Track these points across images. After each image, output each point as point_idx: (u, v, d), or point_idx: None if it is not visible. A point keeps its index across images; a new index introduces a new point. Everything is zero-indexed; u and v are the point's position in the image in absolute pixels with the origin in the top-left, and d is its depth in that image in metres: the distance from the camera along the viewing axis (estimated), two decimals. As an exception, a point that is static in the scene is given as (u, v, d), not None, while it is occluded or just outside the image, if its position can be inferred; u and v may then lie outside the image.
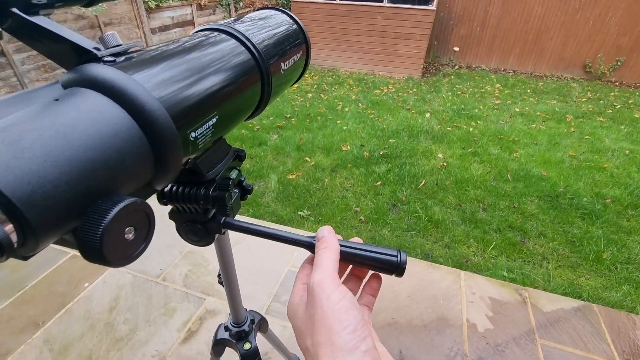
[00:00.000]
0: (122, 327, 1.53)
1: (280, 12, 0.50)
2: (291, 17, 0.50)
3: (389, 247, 0.34)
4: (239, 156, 0.42)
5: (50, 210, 0.19)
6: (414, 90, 4.96)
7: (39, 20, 0.25)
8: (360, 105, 4.29)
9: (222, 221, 0.38)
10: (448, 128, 3.70)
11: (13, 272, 1.77)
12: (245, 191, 0.45)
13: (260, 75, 0.40)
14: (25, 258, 0.21)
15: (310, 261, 0.34)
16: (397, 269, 0.33)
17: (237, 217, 0.43)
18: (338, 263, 0.31)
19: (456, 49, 6.28)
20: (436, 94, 4.82)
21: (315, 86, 5.00)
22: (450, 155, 3.15)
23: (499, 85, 5.28)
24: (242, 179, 0.45)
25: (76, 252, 1.45)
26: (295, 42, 0.48)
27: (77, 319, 1.55)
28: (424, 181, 2.72)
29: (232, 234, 1.83)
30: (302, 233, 0.33)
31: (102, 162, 0.22)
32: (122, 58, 0.27)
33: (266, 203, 2.45)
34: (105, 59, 0.26)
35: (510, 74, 5.98)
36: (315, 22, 5.65)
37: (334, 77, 5.51)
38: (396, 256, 0.33)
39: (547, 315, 1.62)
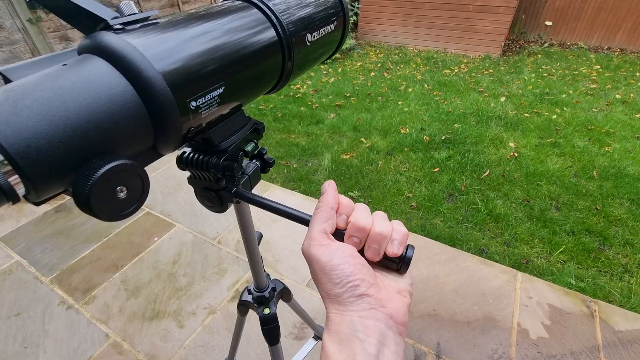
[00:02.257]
0: (182, 279, 1.73)
1: None
2: None
3: None
4: (257, 129, 0.42)
5: (44, 163, 0.21)
6: (490, 70, 4.48)
7: None
8: (425, 85, 4.03)
9: (233, 191, 0.40)
10: (525, 114, 3.30)
11: (102, 221, 2.09)
12: (266, 164, 0.46)
13: (281, 47, 0.39)
14: (35, 204, 0.24)
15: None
16: (401, 264, 0.31)
17: (259, 191, 0.44)
18: (329, 220, 0.32)
19: (548, 23, 5.45)
20: (516, 75, 4.30)
21: (379, 64, 4.81)
22: (523, 144, 2.83)
23: (599, 66, 4.50)
24: (264, 152, 0.45)
25: (149, 210, 1.67)
26: (329, 13, 0.46)
27: (147, 266, 1.79)
28: (488, 171, 2.49)
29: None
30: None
31: (95, 123, 0.24)
32: (137, 26, 0.29)
33: (318, 181, 2.49)
34: (116, 27, 0.28)
35: (616, 53, 5.04)
36: (386, -4, 5.35)
37: (400, 55, 5.23)
38: (401, 253, 0.31)
39: (618, 335, 1.41)
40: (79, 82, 0.24)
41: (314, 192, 2.38)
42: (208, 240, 1.94)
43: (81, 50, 0.28)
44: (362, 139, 2.96)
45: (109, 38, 0.26)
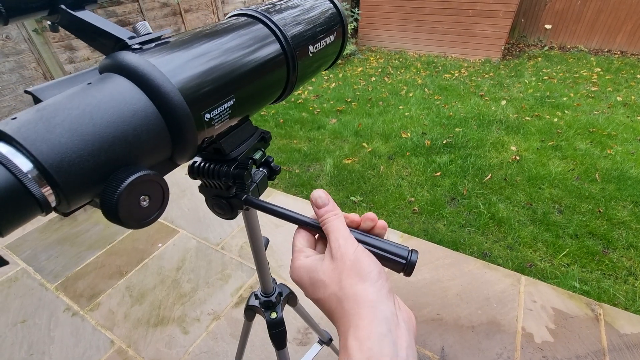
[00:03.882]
0: (185, 285, 1.73)
1: None
2: None
3: (400, 245, 0.33)
4: (264, 138, 0.44)
5: (75, 175, 0.23)
6: (491, 74, 4.50)
7: (83, 14, 0.30)
8: (426, 90, 4.05)
9: (243, 198, 0.41)
10: (527, 118, 3.31)
11: (106, 228, 2.10)
12: (273, 171, 0.47)
13: (286, 59, 0.41)
14: (64, 214, 0.26)
15: (305, 228, 0.37)
16: (404, 269, 0.33)
17: (267, 198, 0.45)
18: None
19: (548, 26, 5.49)
20: (517, 78, 4.32)
21: (379, 69, 4.84)
22: (525, 148, 2.83)
23: (599, 69, 4.51)
24: (270, 160, 0.47)
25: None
26: (329, 24, 0.48)
27: (151, 273, 1.80)
28: (490, 175, 2.50)
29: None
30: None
31: (120, 137, 0.25)
32: (152, 45, 0.30)
33: (320, 186, 2.50)
34: (134, 46, 0.29)
35: (617, 55, 5.06)
36: (386, 1, 5.40)
37: (400, 59, 5.26)
38: (406, 257, 0.33)
39: (624, 338, 1.41)
40: (104, 99, 0.25)
41: (317, 197, 2.38)
42: (211, 246, 1.95)
43: (103, 69, 0.29)
44: (364, 144, 2.98)
45: (129, 57, 0.28)
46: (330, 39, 0.48)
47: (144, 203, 0.26)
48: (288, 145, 3.02)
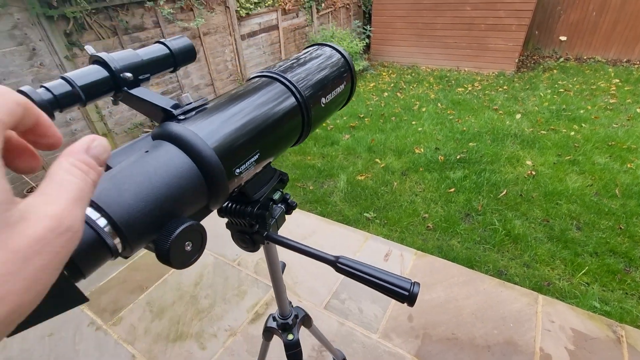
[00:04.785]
0: (203, 300, 1.78)
1: (326, 47, 0.55)
2: (337, 50, 0.55)
3: (403, 278, 0.37)
4: (282, 180, 0.49)
5: (138, 229, 0.29)
6: (505, 87, 4.49)
7: (138, 91, 0.38)
8: (439, 105, 4.07)
9: (264, 235, 0.46)
10: (542, 131, 3.27)
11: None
12: (290, 207, 0.52)
13: (301, 112, 0.46)
14: (126, 257, 0.31)
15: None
16: (407, 300, 0.36)
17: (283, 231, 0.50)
18: None
19: (563, 38, 5.45)
20: (532, 91, 4.29)
21: (392, 85, 4.89)
22: (541, 162, 2.80)
23: (618, 80, 4.43)
24: (288, 197, 0.52)
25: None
26: (339, 74, 0.53)
27: (170, 288, 1.87)
28: (505, 191, 2.48)
29: (305, 228, 1.95)
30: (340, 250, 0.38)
31: (171, 196, 0.31)
32: (193, 113, 0.37)
33: (334, 202, 2.54)
34: (179, 117, 0.36)
35: (637, 65, 4.96)
36: (398, 18, 5.51)
37: (413, 74, 5.31)
38: (408, 289, 0.36)
39: (649, 363, 1.36)
40: (159, 166, 0.32)
41: (330, 213, 2.42)
42: (228, 262, 2.01)
43: (155, 137, 0.36)
44: (377, 160, 3.01)
45: (175, 128, 0.35)
46: (340, 88, 0.53)
47: (188, 247, 0.32)
48: (302, 162, 3.08)
